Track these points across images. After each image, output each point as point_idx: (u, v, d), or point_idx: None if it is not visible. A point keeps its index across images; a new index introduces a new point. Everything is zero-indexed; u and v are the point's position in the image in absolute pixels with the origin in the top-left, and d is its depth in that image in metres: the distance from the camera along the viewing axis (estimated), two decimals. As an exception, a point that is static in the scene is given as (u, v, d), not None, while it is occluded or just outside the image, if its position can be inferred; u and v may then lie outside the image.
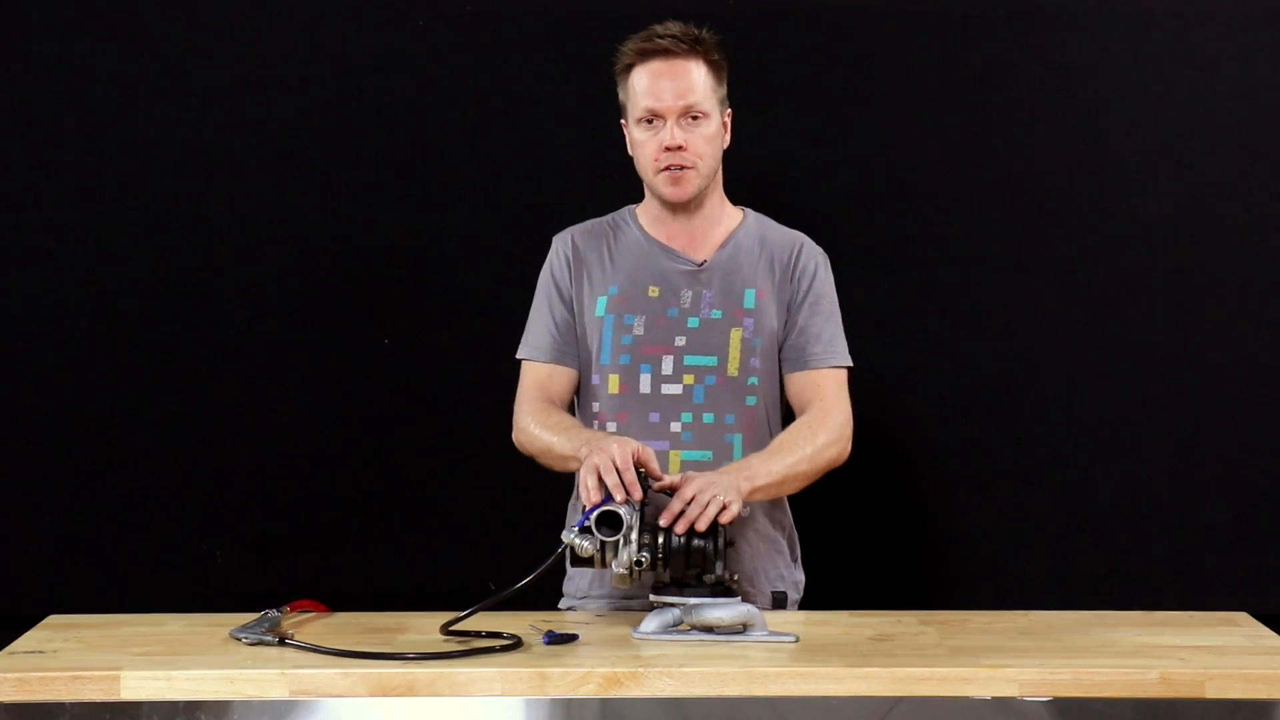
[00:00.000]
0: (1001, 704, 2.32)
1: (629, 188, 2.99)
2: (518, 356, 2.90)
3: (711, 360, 2.82)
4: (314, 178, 3.47)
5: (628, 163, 2.93)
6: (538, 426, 2.78)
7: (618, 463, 2.51)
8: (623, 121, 2.88)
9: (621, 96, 2.86)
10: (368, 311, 3.48)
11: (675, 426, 2.80)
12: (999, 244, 3.46)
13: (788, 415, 2.89)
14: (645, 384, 2.82)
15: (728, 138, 2.86)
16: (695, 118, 2.78)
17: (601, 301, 2.85)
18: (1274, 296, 3.43)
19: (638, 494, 2.50)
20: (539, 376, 2.86)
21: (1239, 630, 2.59)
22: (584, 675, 2.29)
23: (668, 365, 2.82)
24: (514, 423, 2.85)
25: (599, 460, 2.52)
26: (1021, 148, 3.45)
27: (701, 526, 2.50)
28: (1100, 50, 3.43)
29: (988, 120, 3.45)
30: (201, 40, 3.44)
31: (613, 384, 2.83)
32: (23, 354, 3.46)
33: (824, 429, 2.77)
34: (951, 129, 3.45)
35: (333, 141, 3.46)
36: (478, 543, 3.46)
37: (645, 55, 2.79)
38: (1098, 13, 3.42)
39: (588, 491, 2.52)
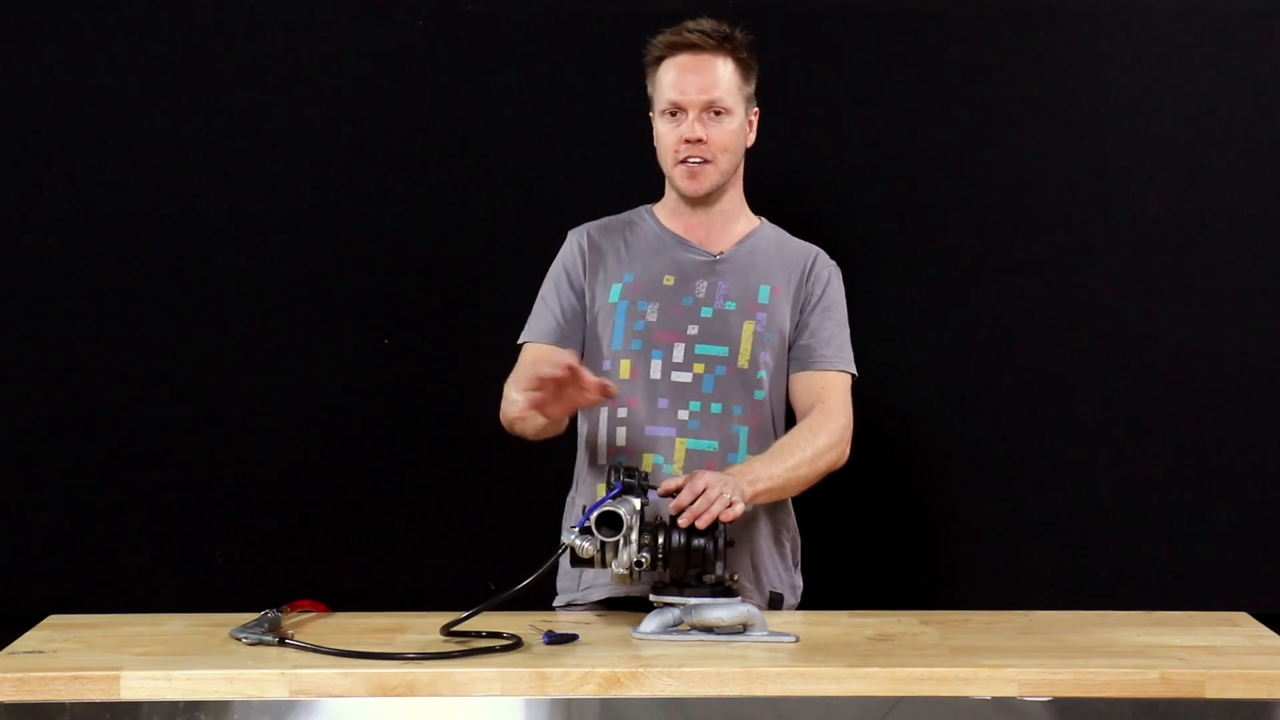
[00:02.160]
0: (1001, 704, 2.32)
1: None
2: (519, 342, 2.91)
3: (723, 351, 2.83)
4: (314, 177, 3.47)
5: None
6: (516, 391, 2.77)
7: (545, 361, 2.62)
8: (651, 114, 2.90)
9: (650, 89, 2.89)
10: (368, 311, 3.48)
11: (683, 414, 2.81)
12: (999, 244, 3.46)
13: (790, 417, 2.89)
14: (655, 370, 2.83)
15: (753, 136, 2.90)
16: (718, 113, 2.81)
17: (615, 289, 2.87)
18: (1274, 296, 3.43)
19: (561, 370, 2.57)
20: (538, 354, 2.86)
21: (1239, 630, 2.59)
22: (584, 675, 2.29)
23: (679, 353, 2.83)
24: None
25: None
26: (1021, 148, 3.45)
27: (703, 524, 2.50)
28: (1100, 50, 3.43)
29: (988, 120, 3.45)
30: (201, 40, 3.44)
31: (624, 369, 2.84)
32: (23, 354, 3.46)
33: (824, 432, 2.78)
34: (952, 129, 3.45)
35: (333, 141, 3.46)
36: (478, 543, 3.46)
37: (674, 49, 2.83)
38: (1098, 13, 3.42)
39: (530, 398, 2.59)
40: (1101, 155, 3.44)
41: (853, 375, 2.89)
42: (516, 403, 2.75)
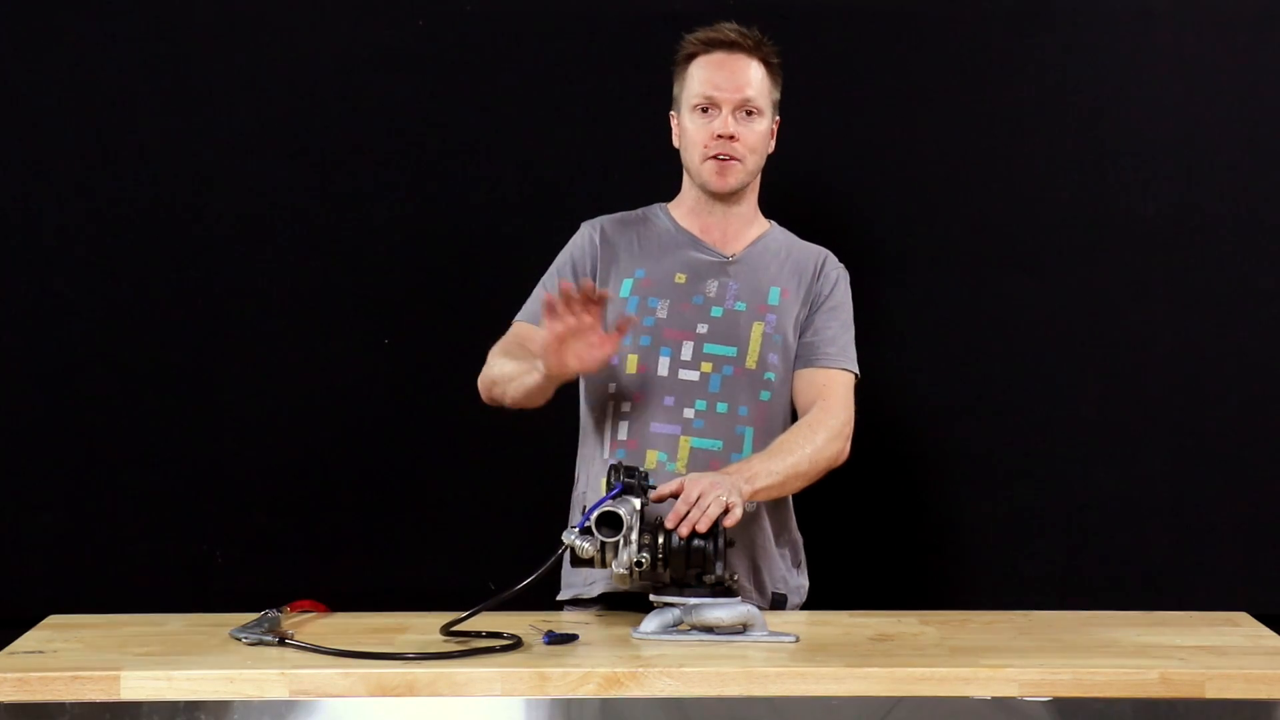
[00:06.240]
0: (1001, 704, 2.32)
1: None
2: (513, 321, 2.92)
3: (731, 350, 2.84)
4: (314, 178, 3.47)
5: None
6: (497, 358, 2.81)
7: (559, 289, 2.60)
8: (672, 114, 2.93)
9: (676, 88, 2.91)
10: (368, 311, 3.48)
11: (688, 412, 2.82)
12: (999, 244, 3.46)
13: (796, 417, 2.89)
14: (663, 367, 2.84)
15: (773, 144, 2.92)
16: (750, 112, 2.84)
17: (627, 283, 2.88)
18: (1273, 296, 3.43)
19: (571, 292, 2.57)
20: (523, 331, 2.87)
21: (1239, 630, 2.59)
22: (584, 675, 2.29)
23: (687, 351, 2.84)
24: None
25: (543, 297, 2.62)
26: (1021, 148, 3.45)
27: (703, 528, 2.50)
28: (1100, 50, 3.43)
29: (988, 120, 3.45)
30: (202, 40, 3.44)
31: (631, 364, 2.85)
32: (23, 354, 3.46)
33: (824, 428, 2.78)
34: (951, 129, 3.45)
35: (333, 141, 3.46)
36: (478, 543, 3.46)
37: (709, 46, 2.86)
38: (1098, 13, 3.42)
39: (548, 311, 2.58)
40: (1101, 155, 3.44)
41: (855, 375, 2.90)
42: (493, 366, 2.80)
